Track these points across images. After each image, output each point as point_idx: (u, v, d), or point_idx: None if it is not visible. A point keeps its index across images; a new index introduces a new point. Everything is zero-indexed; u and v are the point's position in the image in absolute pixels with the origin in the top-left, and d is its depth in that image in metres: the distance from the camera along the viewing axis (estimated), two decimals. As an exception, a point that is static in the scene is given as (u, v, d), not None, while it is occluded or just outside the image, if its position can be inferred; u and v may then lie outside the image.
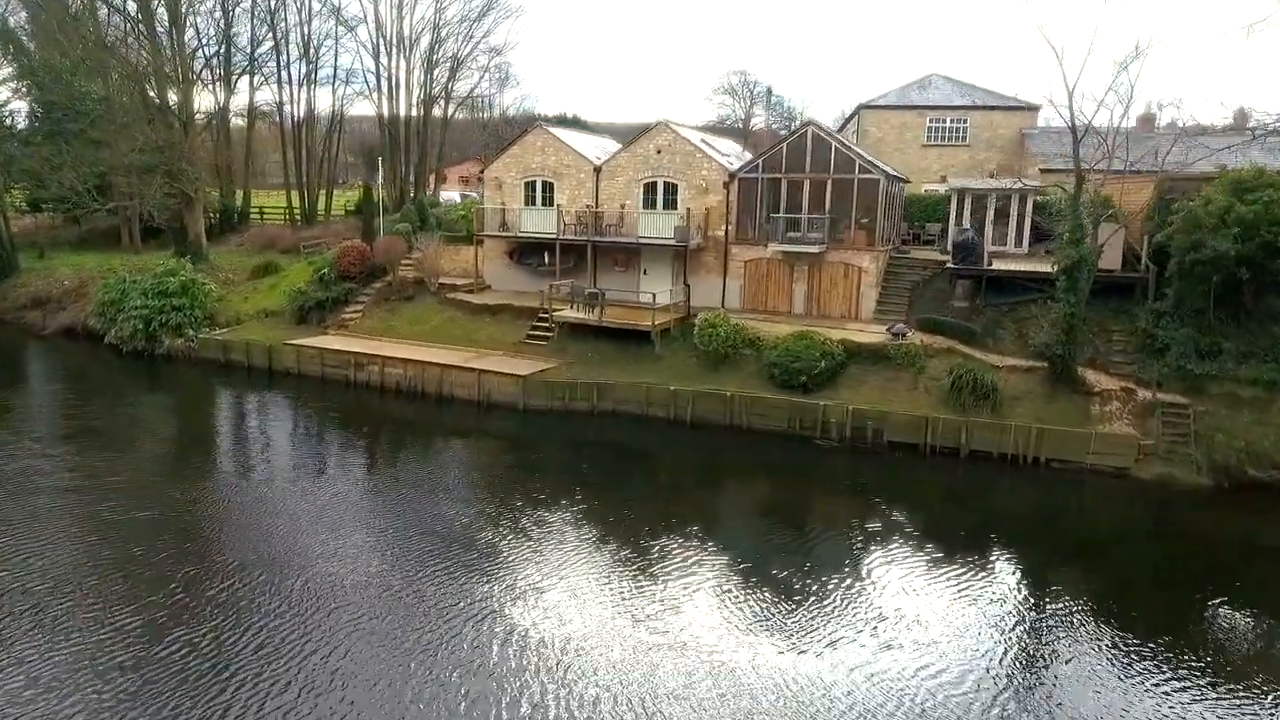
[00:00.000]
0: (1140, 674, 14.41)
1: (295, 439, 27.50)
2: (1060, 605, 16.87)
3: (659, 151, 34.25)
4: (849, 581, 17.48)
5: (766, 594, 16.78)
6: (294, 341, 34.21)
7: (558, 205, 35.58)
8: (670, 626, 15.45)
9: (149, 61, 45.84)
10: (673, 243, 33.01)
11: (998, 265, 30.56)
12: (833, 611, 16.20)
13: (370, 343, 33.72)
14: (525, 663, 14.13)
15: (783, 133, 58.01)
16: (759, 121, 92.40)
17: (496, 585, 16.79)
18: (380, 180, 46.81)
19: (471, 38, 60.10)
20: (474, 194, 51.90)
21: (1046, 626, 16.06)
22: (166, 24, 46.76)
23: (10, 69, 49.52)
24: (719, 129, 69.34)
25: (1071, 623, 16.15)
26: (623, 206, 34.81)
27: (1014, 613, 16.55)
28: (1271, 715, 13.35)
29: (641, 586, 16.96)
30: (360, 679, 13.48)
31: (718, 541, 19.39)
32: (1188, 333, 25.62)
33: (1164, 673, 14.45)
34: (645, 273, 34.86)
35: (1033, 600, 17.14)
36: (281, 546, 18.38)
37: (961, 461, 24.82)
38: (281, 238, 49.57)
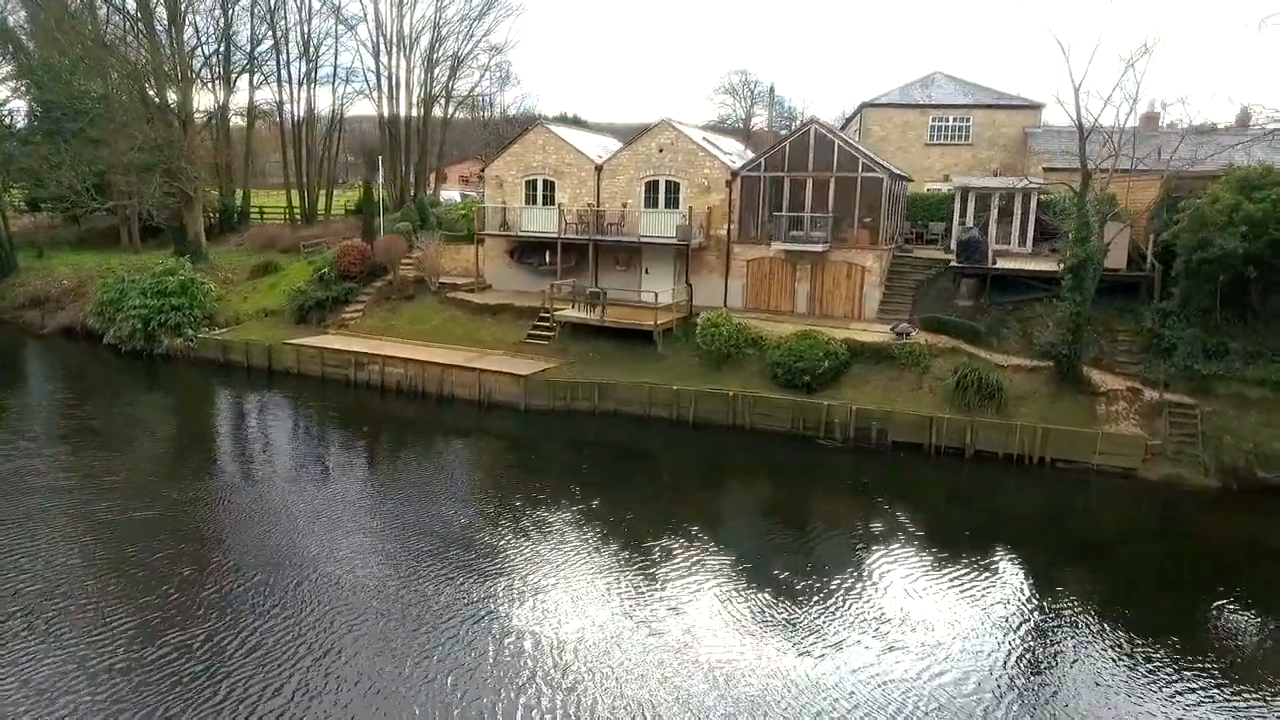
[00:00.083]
0: (1147, 676, 14.23)
1: (294, 439, 27.30)
2: (1066, 606, 16.66)
3: (661, 150, 34.04)
4: (852, 583, 17.27)
5: (769, 595, 16.57)
6: (294, 341, 34.01)
7: (559, 204, 35.36)
8: (671, 628, 15.24)
9: (148, 60, 45.68)
10: (675, 242, 32.80)
11: (1002, 264, 30.36)
12: (836, 613, 16.00)
13: (370, 342, 33.52)
14: (523, 665, 13.92)
15: (783, 133, 57.77)
16: (759, 121, 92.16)
17: (495, 586, 16.58)
18: (380, 179, 46.63)
19: (472, 36, 60.00)
20: (474, 193, 51.72)
21: (1052, 628, 15.85)
22: (166, 22, 46.63)
23: (9, 68, 49.39)
24: (719, 129, 69.11)
25: (1078, 624, 15.94)
26: (624, 205, 34.61)
27: (1019, 614, 16.35)
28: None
29: (642, 588, 16.75)
30: (355, 682, 13.27)
31: (720, 542, 19.17)
32: (1194, 332, 25.38)
33: (1171, 675, 14.27)
34: (647, 272, 34.64)
35: (1038, 602, 16.92)
36: (279, 547, 18.16)
37: (966, 462, 24.60)
38: (281, 237, 49.38)
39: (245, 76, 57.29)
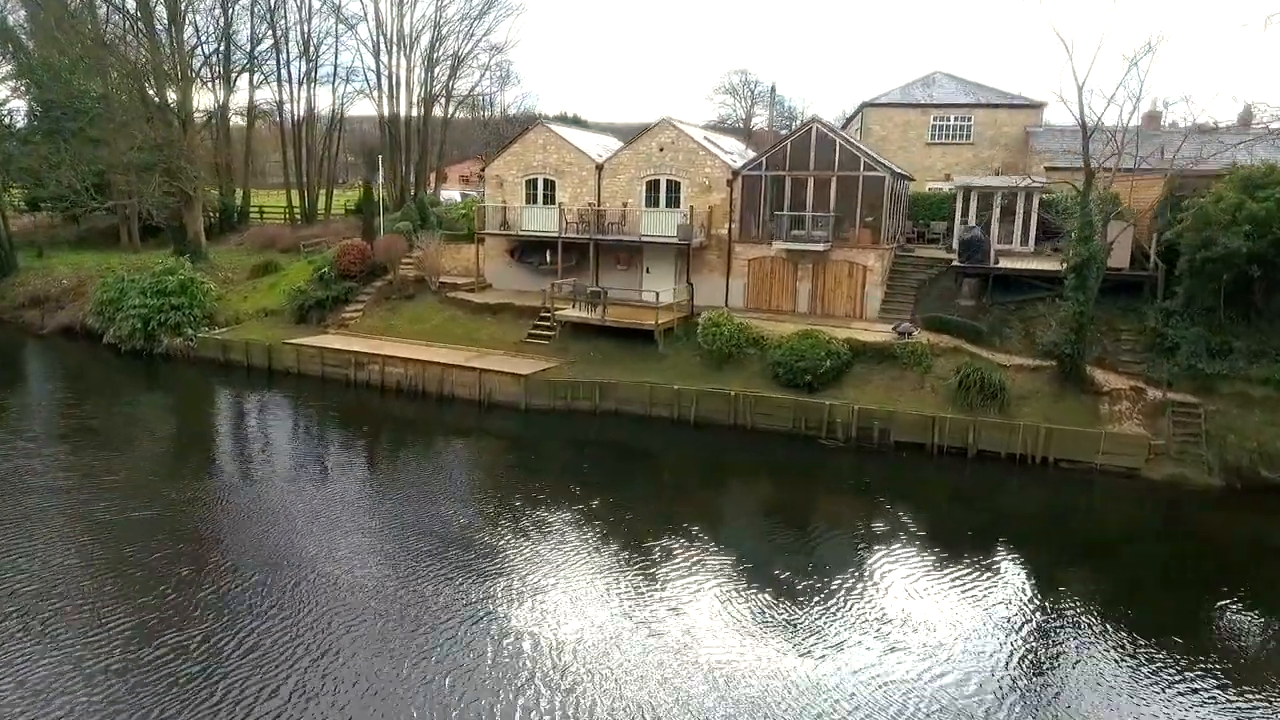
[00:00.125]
0: (1150, 677, 14.13)
1: (294, 439, 27.20)
2: (1069, 607, 16.55)
3: (662, 149, 33.94)
4: (854, 583, 17.16)
5: (770, 596, 16.46)
6: (294, 341, 33.91)
7: (559, 203, 35.26)
8: (671, 629, 15.13)
9: (148, 59, 45.59)
10: (676, 241, 32.69)
11: (1004, 263, 30.27)
12: (837, 614, 15.89)
13: (370, 342, 33.42)
14: (522, 666, 13.81)
15: (783, 132, 57.68)
16: (760, 121, 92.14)
17: (495, 587, 16.47)
18: (380, 179, 46.53)
19: (472, 36, 59.87)
20: (474, 193, 51.62)
21: (1055, 629, 15.74)
22: (165, 22, 46.54)
23: (9, 67, 49.32)
24: (720, 129, 68.96)
25: (1080, 625, 15.82)
26: (625, 204, 34.51)
27: (1022, 615, 16.24)
28: (1288, 721, 13.05)
29: (642, 588, 16.64)
30: (353, 683, 13.16)
31: (721, 542, 19.06)
32: (1198, 331, 25.28)
33: (1175, 676, 14.17)
34: (648, 271, 34.54)
35: (1041, 602, 16.81)
36: (277, 547, 18.05)
37: (969, 462, 24.48)
38: (281, 237, 49.29)
39: (245, 76, 57.29)
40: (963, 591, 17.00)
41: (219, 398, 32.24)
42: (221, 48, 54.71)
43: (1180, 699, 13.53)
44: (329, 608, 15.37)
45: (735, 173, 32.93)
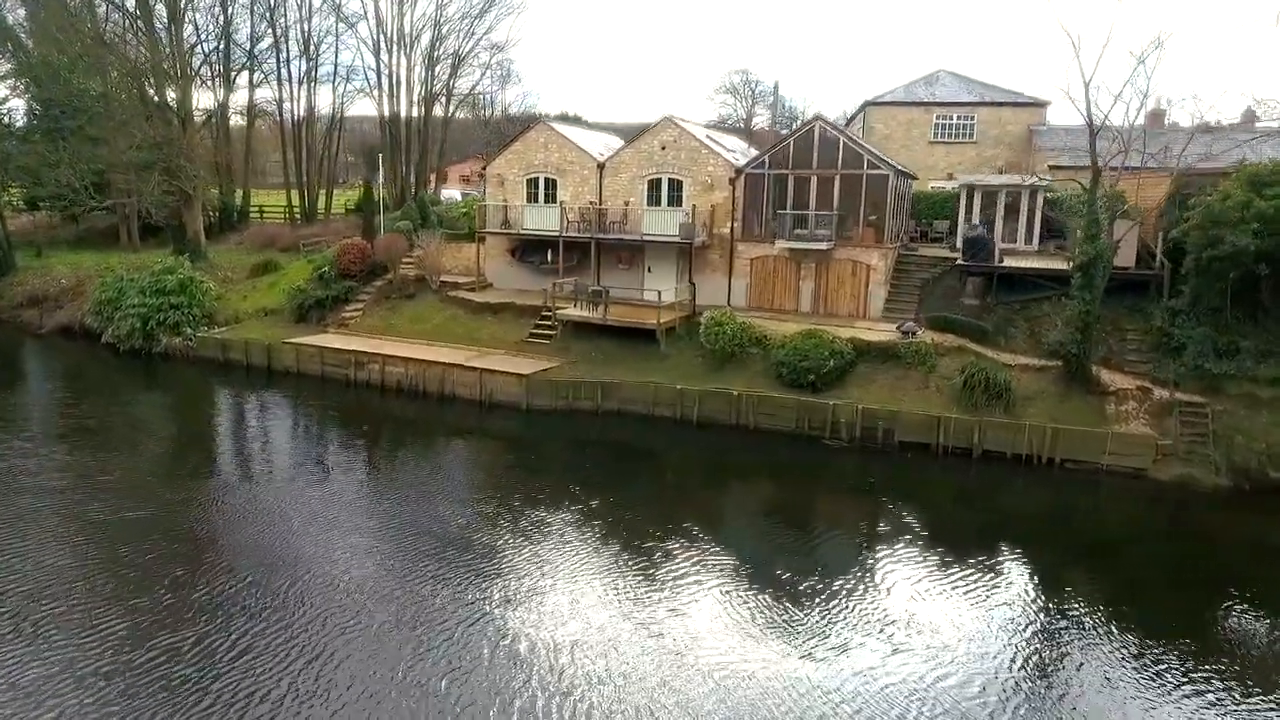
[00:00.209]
0: (1157, 679, 13.94)
1: (293, 438, 26.99)
2: (1075, 608, 16.33)
3: (663, 147, 33.73)
4: (858, 584, 16.96)
5: (773, 597, 16.25)
6: (293, 340, 33.71)
7: (561, 202, 35.06)
8: (673, 630, 14.92)
9: (147, 58, 45.38)
10: (677, 240, 32.48)
11: (1009, 262, 30.05)
12: (841, 615, 15.69)
13: (371, 341, 33.22)
14: (521, 669, 13.59)
15: (784, 132, 57.47)
16: (760, 121, 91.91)
17: (493, 588, 16.26)
18: (380, 178, 46.32)
19: (473, 34, 59.54)
20: (475, 192, 51.41)
21: (1060, 630, 15.54)
22: (165, 20, 46.30)
23: (8, 66, 49.12)
24: (720, 129, 68.76)
25: (1086, 626, 15.62)
26: (627, 203, 34.30)
27: (1027, 616, 16.04)
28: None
29: (644, 589, 16.42)
30: (347, 686, 12.95)
31: (723, 543, 18.84)
32: (1205, 331, 25.06)
33: (1181, 678, 13.99)
34: (649, 270, 34.34)
35: (1047, 603, 16.60)
36: (274, 548, 17.84)
37: (974, 462, 24.26)
38: (281, 236, 49.11)
39: (245, 75, 57.05)
40: (967, 593, 16.78)
41: (218, 397, 32.03)
42: (221, 46, 54.52)
43: (1186, 701, 13.36)
44: (325, 609, 15.15)
45: (738, 171, 32.71)
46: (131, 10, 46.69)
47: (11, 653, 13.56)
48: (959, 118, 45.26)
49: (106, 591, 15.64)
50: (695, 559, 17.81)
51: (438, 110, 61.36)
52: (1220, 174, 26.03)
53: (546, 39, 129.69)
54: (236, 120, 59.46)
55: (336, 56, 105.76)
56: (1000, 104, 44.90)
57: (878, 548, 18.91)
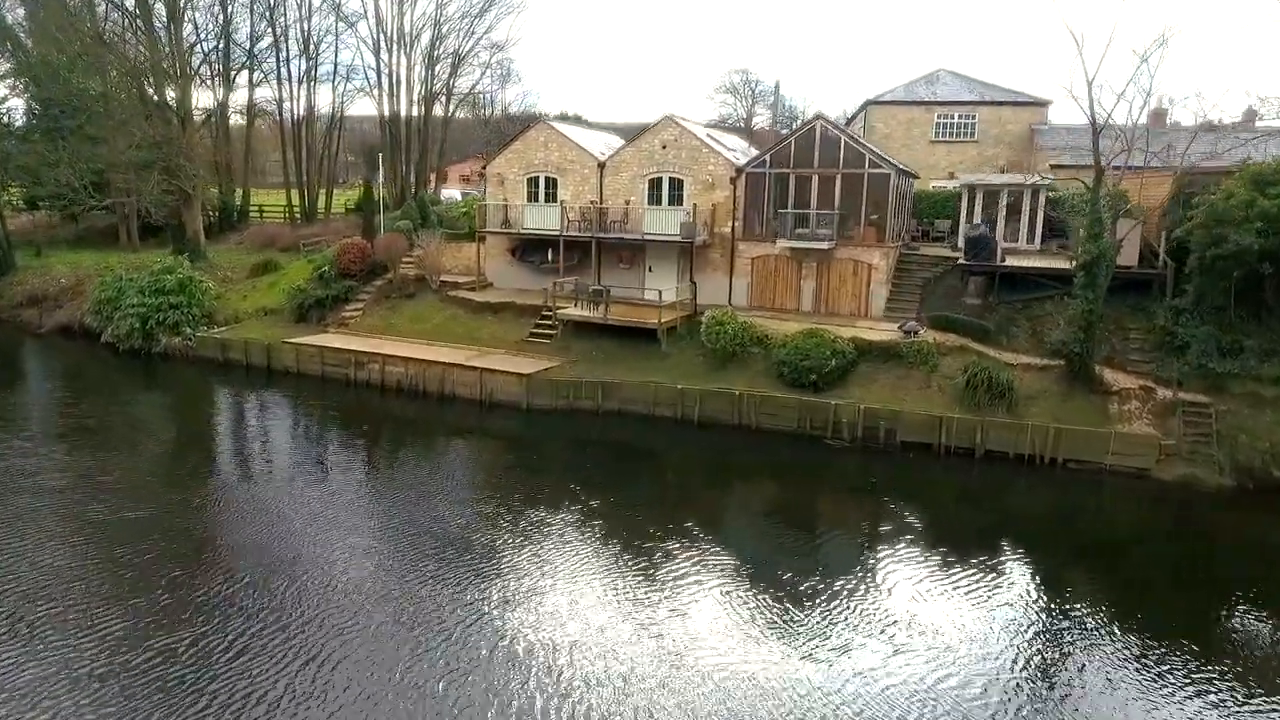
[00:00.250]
0: (1161, 680, 13.86)
1: (293, 438, 26.88)
2: (1078, 609, 16.23)
3: (664, 146, 33.62)
4: (859, 585, 16.85)
5: (775, 598, 16.14)
6: (293, 340, 33.60)
7: (561, 201, 34.96)
8: (674, 632, 14.82)
9: (147, 57, 45.27)
10: (678, 239, 32.38)
11: (1011, 261, 29.94)
12: (843, 616, 15.59)
13: (371, 341, 33.12)
14: (520, 670, 13.49)
15: (784, 132, 57.36)
16: (760, 121, 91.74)
17: (493, 589, 16.15)
18: (380, 177, 46.21)
19: (473, 33, 59.43)
20: (475, 192, 51.33)
21: (1063, 631, 15.44)
22: (165, 19, 46.22)
23: (8, 65, 49.01)
24: (720, 128, 68.68)
25: (1089, 627, 15.52)
26: (627, 202, 34.19)
27: (1029, 617, 15.93)
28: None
29: (645, 591, 16.31)
30: (344, 688, 12.85)
31: (724, 544, 18.74)
32: (1208, 330, 24.95)
33: (1185, 679, 13.89)
34: (650, 270, 34.24)
35: (1049, 604, 16.50)
36: (272, 548, 17.73)
37: (976, 462, 24.15)
38: (281, 235, 49.00)
39: (245, 74, 56.89)
40: (970, 594, 16.68)
41: (217, 397, 31.93)
42: (221, 45, 54.39)
43: (1190, 702, 13.27)
44: (323, 610, 15.05)
45: (739, 170, 32.61)
46: (131, 9, 46.61)
47: (7, 654, 13.45)
48: (960, 117, 45.19)
49: (104, 592, 15.54)
50: (696, 559, 17.71)
51: (438, 110, 61.30)
52: (1224, 173, 25.94)
53: (546, 38, 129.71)
54: (236, 120, 59.41)
55: (336, 56, 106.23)
56: (1001, 103, 44.82)
57: (879, 548, 18.81)
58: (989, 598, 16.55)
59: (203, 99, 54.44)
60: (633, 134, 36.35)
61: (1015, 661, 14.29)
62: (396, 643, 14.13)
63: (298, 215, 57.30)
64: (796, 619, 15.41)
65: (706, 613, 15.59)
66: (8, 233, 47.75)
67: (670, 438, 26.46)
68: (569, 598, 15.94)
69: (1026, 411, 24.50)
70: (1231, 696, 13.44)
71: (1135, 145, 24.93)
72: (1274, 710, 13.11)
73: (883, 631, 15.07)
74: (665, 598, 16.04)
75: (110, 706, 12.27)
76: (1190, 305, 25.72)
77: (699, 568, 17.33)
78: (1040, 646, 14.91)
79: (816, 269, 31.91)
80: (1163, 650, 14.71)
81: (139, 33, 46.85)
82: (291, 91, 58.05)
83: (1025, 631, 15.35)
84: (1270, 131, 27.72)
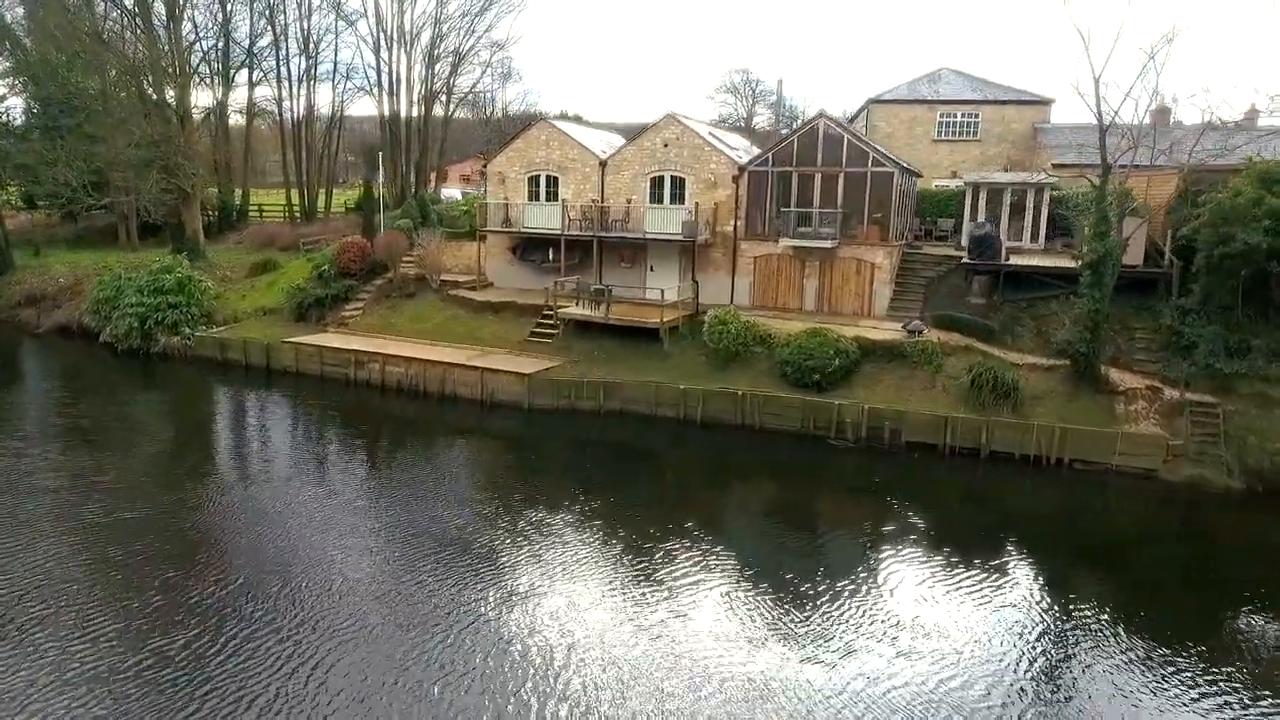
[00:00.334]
0: (1167, 683, 13.68)
1: (292, 439, 26.66)
2: (1084, 611, 16.04)
3: (666, 145, 33.40)
4: (864, 587, 16.64)
5: (778, 600, 15.92)
6: (293, 339, 33.39)
7: (562, 200, 34.75)
8: (677, 635, 14.60)
9: (145, 56, 45.07)
10: (680, 238, 32.16)
11: (1015, 260, 29.73)
12: (847, 619, 15.38)
13: (371, 340, 32.91)
14: (519, 674, 13.27)
15: (784, 131, 57.14)
16: (761, 120, 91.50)
17: (492, 591, 15.93)
18: (380, 177, 46.01)
19: (473, 32, 59.27)
20: (475, 191, 51.15)
21: (1069, 633, 15.24)
22: (164, 18, 46.04)
23: (6, 64, 48.80)
24: (722, 128, 68.50)
25: (1097, 630, 15.32)
26: (629, 201, 33.98)
27: (1035, 619, 15.72)
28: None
29: (646, 593, 16.09)
30: (338, 691, 12.64)
31: (727, 545, 18.51)
32: (1215, 330, 24.72)
33: (1192, 682, 13.72)
34: (652, 269, 34.02)
35: (1056, 606, 16.27)
36: (269, 550, 17.52)
37: (982, 462, 23.92)
38: (280, 235, 48.83)
39: (244, 73, 56.73)
40: (975, 595, 16.47)
41: (216, 397, 31.73)
42: (220, 44, 54.27)
43: (1197, 704, 13.11)
44: (318, 612, 14.84)
45: (741, 169, 32.39)
46: (130, 8, 46.41)
47: (-3, 656, 13.27)
48: (963, 116, 45.02)
49: (96, 593, 15.32)
50: (697, 560, 17.49)
51: (438, 109, 61.17)
52: (1230, 171, 25.71)
53: (547, 38, 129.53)
54: (236, 119, 59.29)
55: (336, 54, 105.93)
56: (1004, 102, 44.66)
57: (883, 549, 18.59)
58: (994, 599, 16.34)
59: (202, 98, 54.47)
60: (633, 134, 36.13)
61: (1020, 664, 14.09)
62: (392, 645, 13.92)
63: (297, 215, 57.11)
64: (799, 621, 15.20)
65: (707, 614, 15.38)
66: (6, 232, 47.54)
67: (672, 438, 26.24)
68: (567, 599, 15.73)
69: (1032, 412, 24.28)
70: (1239, 699, 13.25)
71: (1142, 143, 24.72)
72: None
73: (886, 634, 14.87)
74: (666, 599, 15.83)
75: (101, 710, 12.06)
76: (1197, 304, 25.48)
77: (700, 569, 17.12)
78: (1045, 649, 14.70)
79: (819, 268, 31.69)
80: (1169, 653, 14.53)
81: (138, 31, 46.66)
82: (291, 90, 58.03)
83: (1030, 634, 15.15)
84: (1276, 130, 27.47)
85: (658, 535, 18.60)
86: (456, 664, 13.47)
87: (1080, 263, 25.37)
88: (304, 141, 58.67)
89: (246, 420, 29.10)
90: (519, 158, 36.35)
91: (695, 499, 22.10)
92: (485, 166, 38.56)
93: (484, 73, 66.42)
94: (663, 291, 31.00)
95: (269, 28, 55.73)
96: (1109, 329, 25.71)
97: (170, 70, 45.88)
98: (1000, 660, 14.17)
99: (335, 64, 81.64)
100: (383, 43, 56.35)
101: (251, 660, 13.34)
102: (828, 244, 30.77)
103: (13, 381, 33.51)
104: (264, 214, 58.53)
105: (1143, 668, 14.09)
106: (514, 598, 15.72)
